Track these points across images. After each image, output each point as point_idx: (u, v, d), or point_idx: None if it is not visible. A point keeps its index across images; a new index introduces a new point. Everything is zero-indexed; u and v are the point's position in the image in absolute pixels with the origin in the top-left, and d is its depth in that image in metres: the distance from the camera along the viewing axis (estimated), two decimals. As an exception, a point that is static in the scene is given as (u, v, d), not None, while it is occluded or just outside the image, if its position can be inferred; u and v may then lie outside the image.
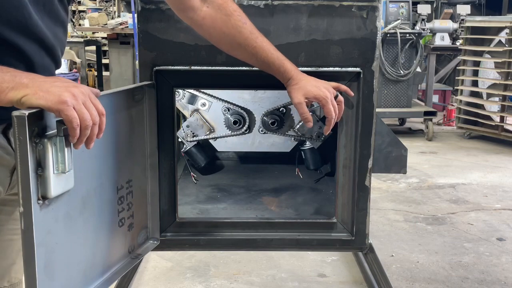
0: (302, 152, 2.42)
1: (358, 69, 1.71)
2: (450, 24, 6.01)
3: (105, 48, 7.50)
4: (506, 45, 5.04)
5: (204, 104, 2.31)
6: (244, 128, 2.32)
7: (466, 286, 2.38)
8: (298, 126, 2.31)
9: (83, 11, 10.25)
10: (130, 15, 6.19)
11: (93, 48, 8.04)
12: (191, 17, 1.43)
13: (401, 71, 5.47)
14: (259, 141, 2.47)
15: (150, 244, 1.61)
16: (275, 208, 2.12)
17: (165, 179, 1.75)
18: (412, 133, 6.00)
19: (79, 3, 10.58)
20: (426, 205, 3.48)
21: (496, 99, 5.35)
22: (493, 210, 3.41)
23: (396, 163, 2.02)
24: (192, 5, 1.41)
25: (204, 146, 2.46)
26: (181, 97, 2.29)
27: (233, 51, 1.51)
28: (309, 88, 1.51)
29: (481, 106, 5.52)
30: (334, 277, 2.45)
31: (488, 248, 2.80)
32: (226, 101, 2.30)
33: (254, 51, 1.47)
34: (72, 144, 0.98)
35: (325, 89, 1.52)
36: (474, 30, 5.41)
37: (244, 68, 1.67)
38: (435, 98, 6.88)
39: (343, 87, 1.63)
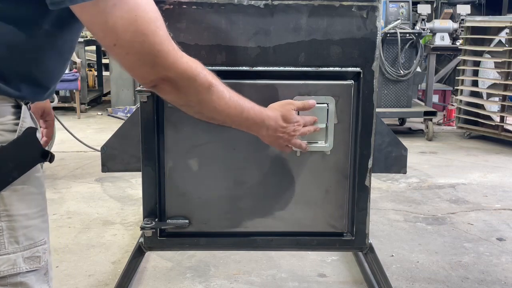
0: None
1: (358, 69, 1.71)
2: (450, 24, 6.01)
3: (105, 48, 7.50)
4: (506, 45, 5.04)
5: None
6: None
7: (466, 286, 2.38)
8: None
9: (83, 11, 10.22)
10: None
11: (93, 48, 8.04)
12: None
13: (401, 71, 5.47)
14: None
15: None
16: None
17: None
18: (412, 133, 6.00)
19: (79, 3, 10.54)
20: (426, 205, 3.48)
21: (496, 99, 5.36)
22: (493, 210, 3.41)
23: (396, 163, 2.01)
24: None
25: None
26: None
27: None
28: None
29: (481, 106, 5.52)
30: (334, 277, 2.45)
31: (488, 248, 2.80)
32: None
33: None
34: None
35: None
36: (474, 30, 5.41)
37: (244, 68, 1.67)
38: (435, 98, 6.89)
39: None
